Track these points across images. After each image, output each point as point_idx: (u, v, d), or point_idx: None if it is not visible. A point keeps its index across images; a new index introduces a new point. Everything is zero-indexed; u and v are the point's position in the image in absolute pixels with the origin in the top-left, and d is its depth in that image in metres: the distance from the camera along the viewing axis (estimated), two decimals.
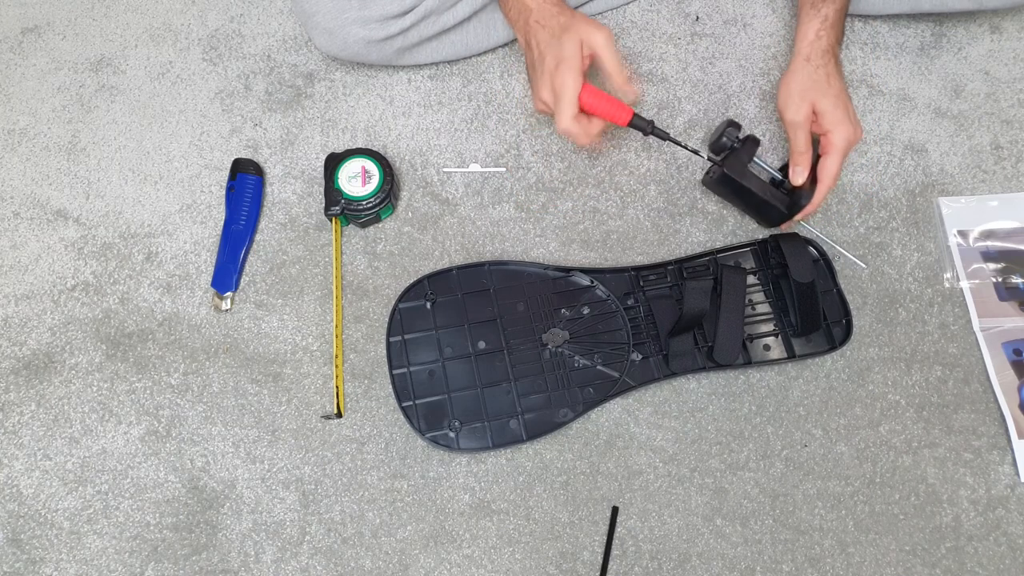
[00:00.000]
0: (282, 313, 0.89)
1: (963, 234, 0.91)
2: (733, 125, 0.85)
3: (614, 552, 0.80)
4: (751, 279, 0.87)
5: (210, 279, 0.90)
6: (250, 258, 0.91)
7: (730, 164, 0.85)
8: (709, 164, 0.88)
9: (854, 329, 0.85)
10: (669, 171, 0.94)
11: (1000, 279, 0.89)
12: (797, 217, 0.86)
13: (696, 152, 0.86)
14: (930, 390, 0.85)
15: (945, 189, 0.93)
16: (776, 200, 0.86)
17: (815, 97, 0.83)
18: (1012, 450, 0.82)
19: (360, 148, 0.91)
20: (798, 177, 0.85)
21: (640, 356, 0.85)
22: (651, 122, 0.84)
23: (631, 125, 0.83)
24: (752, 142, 0.86)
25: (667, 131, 0.85)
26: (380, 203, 0.88)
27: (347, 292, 0.90)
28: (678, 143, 0.85)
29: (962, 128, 0.96)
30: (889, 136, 0.96)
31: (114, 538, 0.81)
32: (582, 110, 0.82)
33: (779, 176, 0.87)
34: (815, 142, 0.86)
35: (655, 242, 0.91)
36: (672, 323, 0.85)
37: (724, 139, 0.85)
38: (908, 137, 0.96)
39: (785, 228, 0.90)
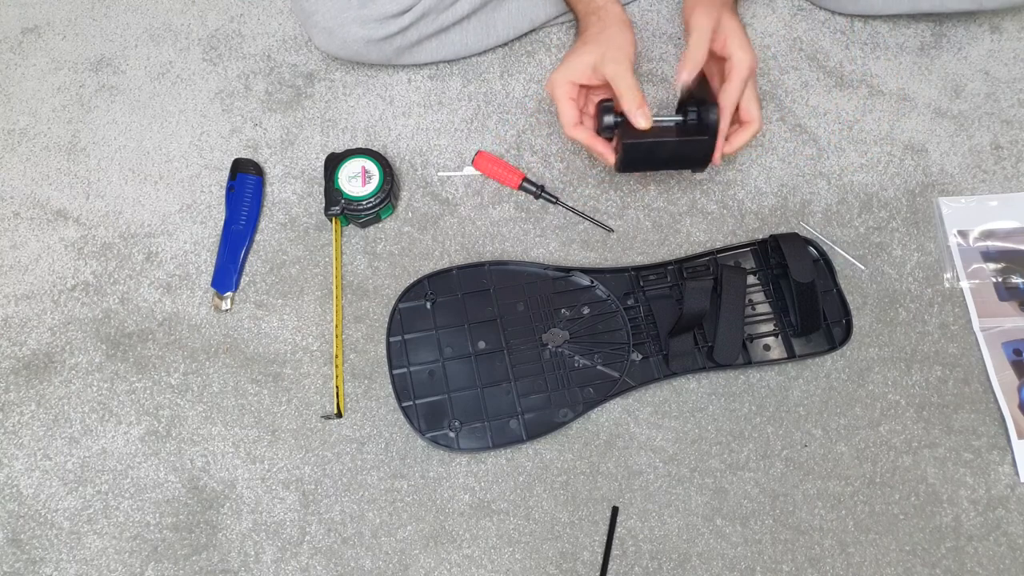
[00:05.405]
0: (282, 313, 0.89)
1: (963, 234, 0.91)
2: (606, 101, 0.81)
3: (614, 552, 0.80)
4: (751, 279, 0.87)
5: (210, 279, 0.90)
6: (250, 258, 0.91)
7: (626, 133, 0.79)
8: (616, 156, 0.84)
9: (854, 329, 0.85)
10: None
11: (1000, 279, 0.89)
12: (720, 145, 0.80)
13: (600, 224, 0.91)
14: (930, 390, 0.85)
15: (945, 189, 0.93)
16: (691, 134, 0.80)
17: (723, 13, 0.80)
18: (1012, 450, 0.82)
19: (360, 148, 0.91)
20: (684, 73, 0.79)
21: (640, 356, 0.85)
22: (541, 186, 0.92)
23: (521, 187, 0.92)
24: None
25: (557, 196, 0.91)
26: (380, 203, 0.88)
27: (347, 292, 0.90)
28: (573, 210, 0.91)
29: (962, 128, 0.96)
30: (889, 136, 0.96)
31: (114, 538, 0.81)
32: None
33: (678, 118, 0.81)
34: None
35: (655, 242, 0.91)
36: (672, 323, 0.85)
37: (606, 118, 0.81)
38: (908, 137, 0.96)
39: (718, 160, 0.82)
